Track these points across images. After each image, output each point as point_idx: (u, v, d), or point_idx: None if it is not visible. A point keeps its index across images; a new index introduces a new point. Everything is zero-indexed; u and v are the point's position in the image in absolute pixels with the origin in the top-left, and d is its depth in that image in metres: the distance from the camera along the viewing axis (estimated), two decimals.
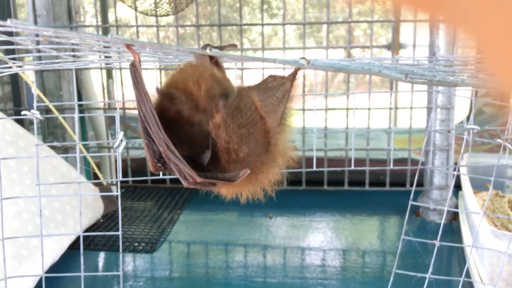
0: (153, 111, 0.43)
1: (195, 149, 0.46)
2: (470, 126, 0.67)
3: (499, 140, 0.67)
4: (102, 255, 1.07)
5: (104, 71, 1.50)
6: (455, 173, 0.72)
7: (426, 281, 0.75)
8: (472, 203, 0.96)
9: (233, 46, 0.48)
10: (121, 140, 0.67)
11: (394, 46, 2.05)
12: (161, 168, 0.47)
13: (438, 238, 0.74)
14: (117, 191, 0.67)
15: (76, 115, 0.67)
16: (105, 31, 1.73)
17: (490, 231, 0.80)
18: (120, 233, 0.68)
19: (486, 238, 0.81)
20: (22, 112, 0.65)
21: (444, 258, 1.08)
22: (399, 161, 1.41)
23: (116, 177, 0.69)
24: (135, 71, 0.43)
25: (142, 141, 0.45)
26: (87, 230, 1.10)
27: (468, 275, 0.93)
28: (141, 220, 1.22)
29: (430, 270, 0.75)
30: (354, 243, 1.13)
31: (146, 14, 1.13)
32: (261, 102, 0.47)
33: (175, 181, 1.40)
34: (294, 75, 0.50)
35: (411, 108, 1.23)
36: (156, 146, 0.44)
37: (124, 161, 1.34)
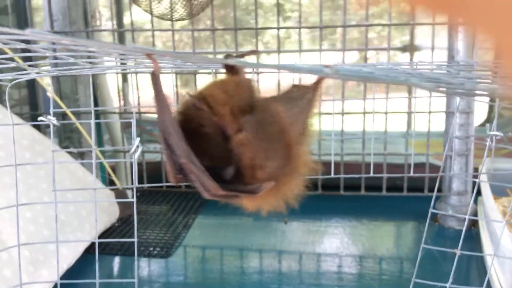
0: (174, 122, 0.42)
1: (216, 161, 0.45)
2: (493, 132, 0.66)
3: None
4: (117, 260, 1.07)
5: (119, 75, 1.51)
6: (477, 180, 0.70)
7: None
8: (493, 210, 0.94)
9: (254, 52, 0.47)
10: (137, 146, 0.67)
11: (411, 48, 2.03)
12: (181, 179, 0.46)
13: (459, 247, 0.73)
14: (133, 197, 0.67)
15: (93, 121, 0.67)
16: (121, 36, 1.74)
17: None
18: (135, 239, 0.68)
19: (508, 246, 0.79)
20: (39, 118, 0.65)
21: (463, 266, 1.06)
22: (416, 166, 1.39)
23: (132, 183, 0.68)
24: (156, 80, 0.42)
25: (161, 149, 0.44)
26: (102, 234, 1.10)
27: (489, 284, 0.91)
28: (155, 224, 1.21)
29: (451, 280, 0.74)
30: (371, 249, 1.11)
31: (162, 18, 1.13)
32: (286, 114, 0.46)
33: (190, 185, 1.39)
34: (317, 84, 0.49)
35: (429, 112, 1.21)
36: (177, 157, 0.43)
37: (139, 165, 1.34)
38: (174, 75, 1.29)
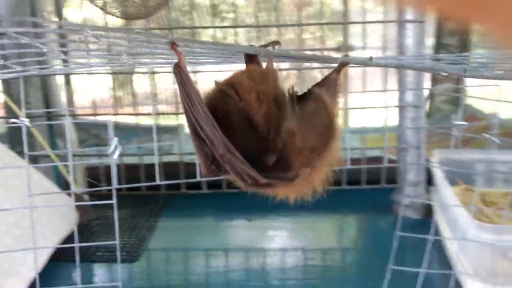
0: (207, 112, 0.42)
1: (249, 150, 0.45)
2: (458, 122, 0.70)
3: (486, 135, 0.70)
4: (84, 266, 1.03)
5: (62, 76, 1.46)
6: (448, 168, 0.74)
7: (420, 275, 0.77)
8: (451, 197, 0.99)
9: (277, 43, 0.48)
10: (116, 147, 0.65)
11: (345, 48, 2.11)
12: (215, 170, 0.45)
13: (431, 232, 0.76)
14: (113, 199, 0.65)
15: (67, 122, 0.65)
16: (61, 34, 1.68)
17: (476, 224, 0.83)
18: (117, 242, 0.66)
19: (472, 231, 0.84)
20: (11, 120, 0.62)
21: (420, 252, 1.11)
22: (372, 160, 1.44)
23: (111, 185, 0.66)
24: (181, 72, 0.41)
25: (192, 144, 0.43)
26: (64, 241, 1.05)
27: (450, 267, 0.96)
28: (119, 228, 1.18)
29: (424, 264, 0.77)
30: (335, 242, 1.15)
31: (113, 15, 1.10)
32: (329, 103, 0.47)
33: (151, 188, 1.37)
34: (339, 71, 0.50)
35: (385, 107, 1.26)
36: (208, 148, 0.42)
37: (95, 168, 1.30)
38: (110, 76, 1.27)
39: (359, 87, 1.51)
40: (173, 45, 0.40)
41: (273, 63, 0.48)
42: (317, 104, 0.48)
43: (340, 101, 0.51)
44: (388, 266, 0.78)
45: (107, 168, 1.35)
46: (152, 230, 1.19)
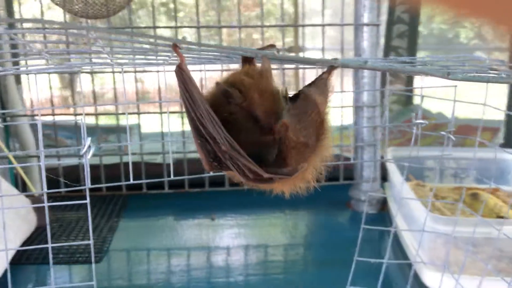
0: (211, 111, 0.43)
1: (251, 147, 0.46)
2: (418, 121, 0.74)
3: (442, 133, 0.75)
4: (39, 268, 1.01)
5: (13, 76, 1.41)
6: (408, 164, 0.78)
7: (384, 266, 0.81)
8: (407, 191, 1.04)
9: (272, 46, 0.49)
10: (89, 147, 0.65)
11: (295, 49, 2.17)
12: (217, 167, 0.46)
13: (394, 224, 0.81)
14: (87, 199, 0.65)
15: (39, 124, 0.64)
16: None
17: (431, 216, 0.88)
18: (91, 241, 0.66)
19: (427, 223, 0.88)
20: None
21: (375, 244, 1.16)
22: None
23: (82, 185, 0.66)
24: (183, 73, 0.42)
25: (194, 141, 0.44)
26: (24, 243, 1.03)
27: (405, 258, 1.02)
28: (78, 230, 1.16)
29: (387, 256, 0.81)
30: (297, 237, 1.18)
31: (76, 15, 1.08)
32: (320, 101, 0.49)
33: (111, 188, 1.35)
34: (329, 72, 0.52)
35: (341, 107, 1.30)
36: (210, 146, 0.44)
37: (55, 169, 1.27)
38: (50, 75, 1.25)
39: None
40: (175, 47, 0.41)
41: (271, 64, 0.50)
42: (307, 102, 0.50)
43: (330, 99, 0.53)
44: (354, 257, 0.81)
45: (66, 168, 1.32)
46: (113, 230, 1.18)
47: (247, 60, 0.51)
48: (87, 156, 0.65)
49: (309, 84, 0.54)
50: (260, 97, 0.46)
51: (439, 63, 0.58)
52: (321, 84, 0.52)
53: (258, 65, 0.50)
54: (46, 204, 0.65)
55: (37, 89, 1.34)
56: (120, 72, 1.36)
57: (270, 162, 0.47)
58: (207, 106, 0.44)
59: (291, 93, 0.52)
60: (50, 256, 0.65)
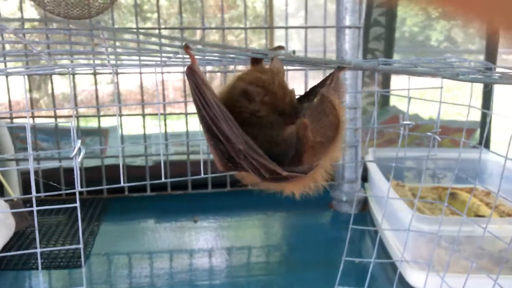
0: (226, 111, 0.42)
1: (269, 146, 0.46)
2: (406, 122, 0.75)
3: (429, 133, 0.76)
4: (19, 275, 0.99)
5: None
6: (395, 165, 0.79)
7: (371, 265, 0.82)
8: (390, 191, 1.06)
9: (281, 48, 0.49)
10: (79, 149, 0.64)
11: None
12: (231, 167, 0.46)
13: (380, 224, 0.82)
14: (77, 203, 0.63)
15: (28, 124, 0.63)
16: None
17: (416, 216, 0.90)
18: (81, 245, 0.64)
19: (413, 222, 0.90)
20: None
21: (356, 244, 1.18)
22: None
23: (70, 189, 0.65)
24: (194, 74, 0.42)
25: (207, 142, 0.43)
26: (3, 249, 1.00)
27: (388, 256, 1.03)
28: (58, 235, 1.14)
29: (374, 255, 0.82)
30: (281, 239, 1.18)
31: (58, 15, 1.06)
32: (335, 101, 0.49)
33: (91, 191, 1.33)
34: (339, 72, 0.53)
35: None
36: (224, 146, 0.43)
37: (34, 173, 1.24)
38: (25, 77, 1.22)
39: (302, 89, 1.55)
40: (187, 48, 0.41)
41: (283, 64, 0.50)
42: (325, 103, 0.50)
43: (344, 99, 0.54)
44: (343, 257, 0.82)
45: (45, 172, 1.29)
46: (94, 234, 1.16)
47: (255, 62, 0.51)
48: (77, 159, 0.64)
49: (323, 84, 0.54)
50: (281, 90, 0.47)
51: (430, 65, 0.59)
52: (336, 86, 0.53)
53: (267, 66, 0.51)
54: (35, 208, 0.63)
55: (26, 91, 1.31)
56: (116, 73, 1.35)
57: (286, 161, 0.48)
58: (221, 105, 0.44)
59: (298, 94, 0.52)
60: (39, 261, 0.63)
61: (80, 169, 1.29)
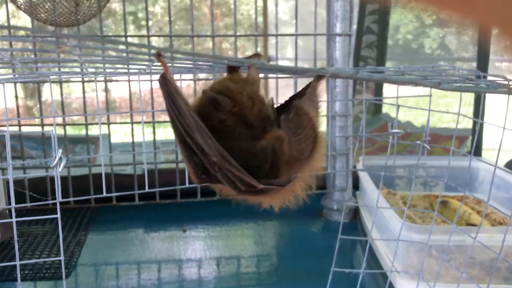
0: (199, 121, 0.41)
1: (240, 158, 0.44)
2: (394, 130, 0.74)
3: (418, 142, 0.76)
4: (7, 286, 0.97)
5: None
6: (386, 173, 0.78)
7: (361, 276, 0.81)
8: (380, 200, 1.05)
9: (258, 55, 0.48)
10: (60, 158, 0.63)
11: (264, 58, 2.16)
12: (206, 179, 0.45)
13: (370, 234, 0.80)
14: (58, 213, 0.62)
15: (7, 135, 0.61)
16: None
17: (406, 225, 0.89)
18: (62, 257, 0.63)
19: (403, 232, 0.89)
20: None
21: (347, 254, 1.17)
22: None
23: (51, 199, 0.63)
24: (167, 83, 0.40)
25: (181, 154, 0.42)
26: None
27: (379, 266, 1.02)
28: (44, 245, 1.12)
29: (364, 265, 0.81)
30: (272, 248, 1.17)
31: (45, 22, 1.05)
32: (311, 113, 0.48)
33: (79, 201, 1.31)
34: (317, 82, 0.51)
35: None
36: (198, 158, 0.42)
37: (20, 181, 1.22)
38: (14, 85, 1.21)
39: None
40: (159, 56, 0.39)
41: (259, 73, 0.49)
42: (301, 116, 0.49)
43: (321, 110, 0.53)
44: (331, 268, 0.80)
45: (32, 180, 1.28)
46: (81, 244, 1.14)
47: (232, 70, 0.50)
48: (58, 169, 0.62)
49: (299, 95, 0.53)
50: (249, 101, 0.45)
51: (419, 73, 0.59)
52: (312, 96, 0.52)
53: (244, 74, 0.49)
54: (14, 220, 0.62)
55: (4, 99, 1.29)
56: (92, 81, 1.33)
57: (262, 174, 0.46)
58: (195, 116, 0.42)
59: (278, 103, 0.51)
60: (18, 273, 0.61)
61: (66, 178, 1.28)
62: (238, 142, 0.45)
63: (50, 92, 0.72)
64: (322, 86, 0.52)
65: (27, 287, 0.97)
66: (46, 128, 1.37)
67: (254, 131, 0.45)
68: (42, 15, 0.99)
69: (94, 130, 1.73)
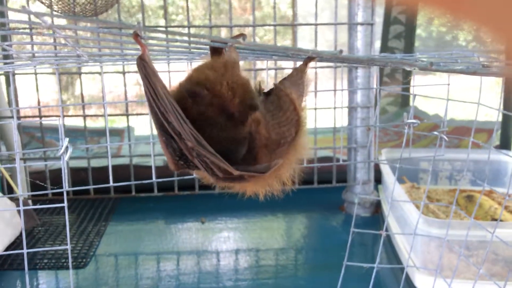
0: (175, 105, 0.40)
1: (221, 144, 0.43)
2: (410, 120, 0.72)
3: (435, 133, 0.73)
4: (30, 274, 0.99)
5: (1, 78, 1.39)
6: (399, 166, 0.76)
7: (374, 270, 0.79)
8: (401, 194, 1.02)
9: (242, 35, 0.46)
10: (67, 148, 0.63)
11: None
12: (183, 166, 0.44)
13: (384, 228, 0.78)
14: (64, 202, 0.62)
15: (14, 123, 0.62)
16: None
17: (426, 219, 0.86)
18: (68, 247, 0.63)
19: (420, 226, 0.86)
20: None
21: (369, 248, 1.14)
22: (324, 160, 1.47)
23: (61, 188, 0.64)
24: (144, 65, 0.40)
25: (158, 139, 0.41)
26: (8, 248, 1.00)
27: (398, 262, 0.99)
28: (65, 235, 1.14)
29: (377, 260, 0.79)
30: (290, 242, 1.15)
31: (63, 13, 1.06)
32: (294, 95, 0.46)
33: (100, 191, 1.33)
34: (305, 65, 0.50)
35: (334, 108, 1.28)
36: (176, 143, 0.41)
37: (41, 172, 1.25)
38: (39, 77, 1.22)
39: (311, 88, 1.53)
40: (136, 36, 0.38)
41: (238, 54, 0.47)
42: (281, 98, 0.47)
43: (307, 94, 0.51)
44: (344, 262, 0.78)
45: (52, 172, 1.30)
46: (101, 235, 1.15)
47: (216, 51, 0.48)
48: (64, 158, 0.62)
49: (284, 78, 0.51)
50: (228, 90, 0.44)
51: (429, 59, 0.56)
52: (296, 78, 0.50)
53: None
54: (21, 208, 0.62)
55: (31, 91, 1.32)
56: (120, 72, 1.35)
57: (240, 159, 0.45)
58: (172, 99, 0.41)
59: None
60: (26, 262, 0.62)
61: (87, 169, 1.29)
62: (218, 132, 0.44)
63: (58, 83, 0.72)
64: (308, 69, 0.50)
65: (46, 276, 0.98)
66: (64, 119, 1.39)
67: (236, 121, 0.44)
68: (61, 7, 1.00)
69: (121, 123, 1.74)
